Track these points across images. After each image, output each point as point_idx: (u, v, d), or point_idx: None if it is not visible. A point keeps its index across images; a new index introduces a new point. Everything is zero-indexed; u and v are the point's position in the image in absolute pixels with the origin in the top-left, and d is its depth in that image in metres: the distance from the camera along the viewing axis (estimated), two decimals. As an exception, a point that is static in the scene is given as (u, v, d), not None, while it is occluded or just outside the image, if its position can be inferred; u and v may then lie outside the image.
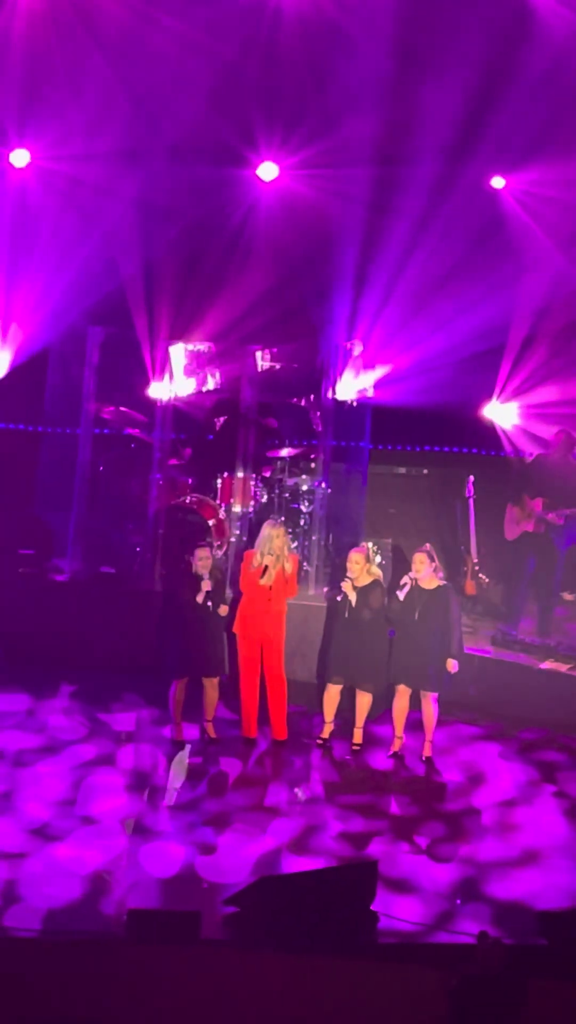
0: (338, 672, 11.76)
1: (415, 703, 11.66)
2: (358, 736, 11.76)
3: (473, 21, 14.04)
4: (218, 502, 14.31)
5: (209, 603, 11.54)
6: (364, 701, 11.73)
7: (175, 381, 15.12)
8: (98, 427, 15.05)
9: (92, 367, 14.82)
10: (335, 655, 11.79)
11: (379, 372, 15.31)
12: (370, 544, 13.38)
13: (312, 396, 15.03)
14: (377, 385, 15.24)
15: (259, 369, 14.99)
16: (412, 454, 16.62)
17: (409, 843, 9.98)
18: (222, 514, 14.17)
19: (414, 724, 11.71)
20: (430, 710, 11.56)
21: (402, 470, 16.42)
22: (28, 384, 15.81)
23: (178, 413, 15.15)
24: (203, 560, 11.59)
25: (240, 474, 14.33)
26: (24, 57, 14.21)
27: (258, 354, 15.07)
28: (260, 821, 10.19)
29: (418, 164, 14.90)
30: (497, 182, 15.48)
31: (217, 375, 15.39)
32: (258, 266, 15.56)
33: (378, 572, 11.94)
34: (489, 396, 15.98)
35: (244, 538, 14.17)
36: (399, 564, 13.19)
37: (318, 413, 14.86)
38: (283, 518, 13.94)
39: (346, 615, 11.63)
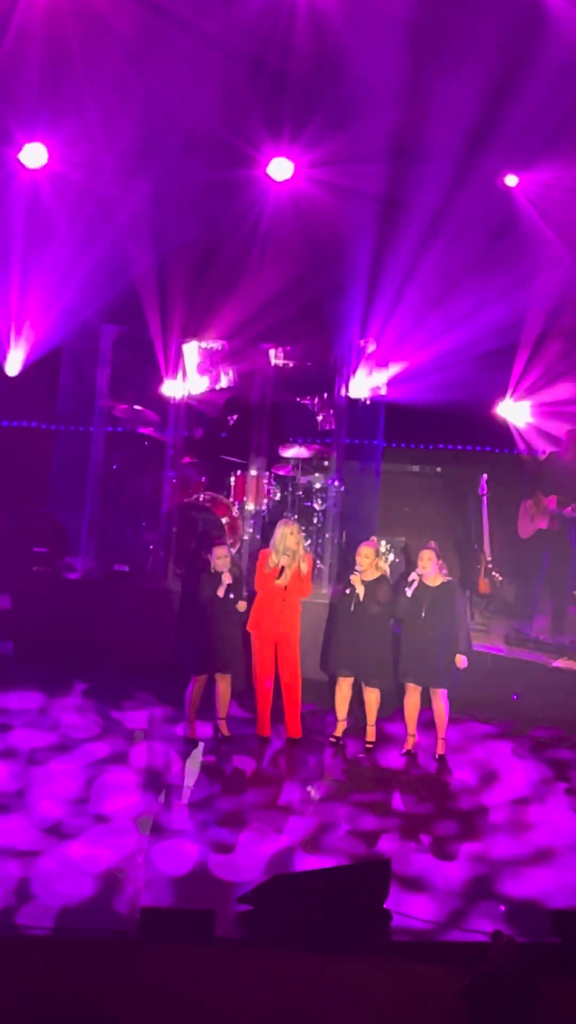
0: (344, 666, 11.77)
1: (427, 701, 11.66)
2: (371, 734, 11.76)
3: (487, 19, 14.01)
4: (231, 500, 14.31)
5: (231, 595, 11.56)
6: (372, 698, 11.74)
7: (188, 379, 15.12)
8: (111, 425, 15.05)
9: (105, 365, 14.83)
10: (341, 649, 11.80)
11: (392, 370, 15.29)
12: (383, 541, 13.39)
13: (325, 394, 15.03)
14: (390, 383, 15.23)
15: (272, 367, 14.99)
16: (425, 452, 16.60)
17: (422, 841, 9.98)
18: (235, 512, 14.17)
19: (427, 722, 11.71)
20: (440, 707, 11.55)
21: (415, 468, 16.41)
22: (41, 382, 15.81)
23: (191, 411, 15.16)
24: (222, 558, 11.61)
25: (253, 472, 14.34)
26: (39, 55, 14.19)
27: (271, 352, 15.07)
28: (274, 819, 10.19)
29: (432, 161, 14.86)
30: (511, 180, 15.44)
31: (230, 373, 15.38)
32: (272, 264, 15.53)
33: (385, 567, 11.95)
34: (503, 394, 15.96)
35: (257, 536, 14.18)
36: (412, 562, 13.18)
37: (331, 411, 14.86)
38: (296, 516, 13.94)
39: (352, 609, 11.64)
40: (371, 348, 15.18)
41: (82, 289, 15.19)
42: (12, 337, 15.37)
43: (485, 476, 14.61)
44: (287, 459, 14.51)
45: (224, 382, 15.43)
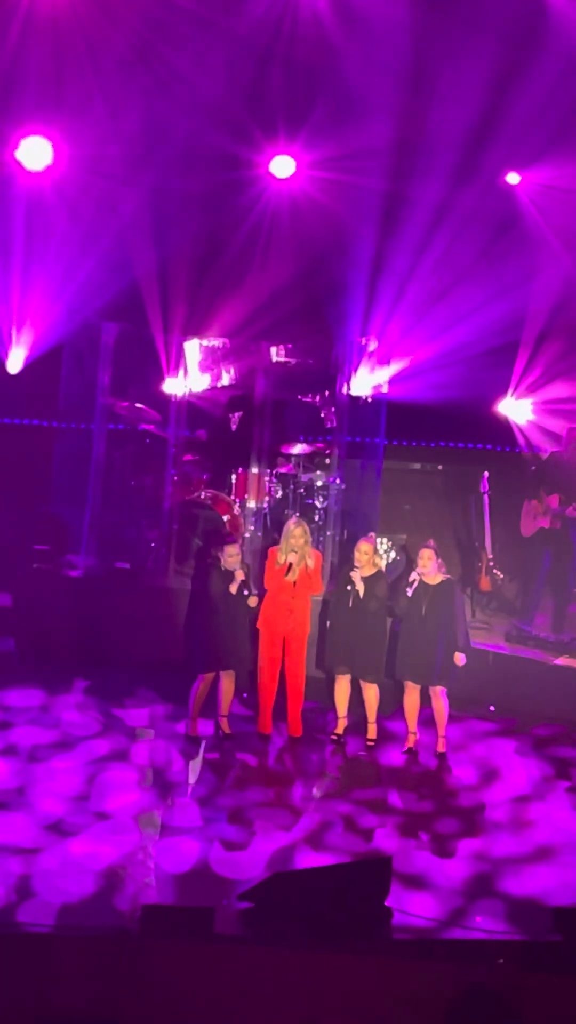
0: (341, 662, 11.78)
1: (427, 698, 11.67)
2: (372, 731, 11.78)
3: (490, 17, 13.99)
4: (233, 498, 14.31)
5: (245, 591, 11.60)
6: (371, 694, 11.76)
7: (189, 377, 15.14)
8: (112, 423, 15.06)
9: (106, 363, 14.83)
10: (338, 646, 11.81)
11: (394, 368, 15.31)
12: (383, 539, 13.39)
13: (327, 392, 15.04)
14: (392, 381, 15.24)
15: (273, 365, 14.99)
16: (427, 450, 16.62)
17: (423, 839, 9.98)
18: (236, 509, 14.18)
19: (427, 720, 11.72)
20: (440, 705, 11.56)
21: (417, 466, 16.43)
22: (43, 380, 15.82)
23: (192, 409, 15.17)
24: (233, 556, 11.63)
25: (255, 470, 14.35)
26: (42, 51, 14.17)
27: (273, 350, 15.08)
28: (275, 817, 10.19)
29: (433, 159, 14.85)
30: (512, 178, 15.43)
31: (232, 371, 15.40)
32: (273, 261, 15.54)
33: (380, 563, 11.96)
34: (504, 392, 15.97)
35: (259, 533, 14.19)
36: (412, 560, 13.19)
37: (332, 409, 14.86)
38: (297, 513, 13.95)
39: (350, 605, 11.65)
40: (372, 346, 15.19)
41: (83, 286, 15.19)
42: (14, 335, 15.38)
43: (486, 474, 14.64)
44: (288, 457, 14.52)
45: (225, 380, 15.45)
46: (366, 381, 15.07)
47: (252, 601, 11.69)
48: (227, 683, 11.71)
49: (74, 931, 8.20)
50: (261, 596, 11.85)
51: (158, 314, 15.22)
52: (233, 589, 11.57)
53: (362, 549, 11.69)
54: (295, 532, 11.68)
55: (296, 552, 11.64)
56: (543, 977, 7.26)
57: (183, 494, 14.36)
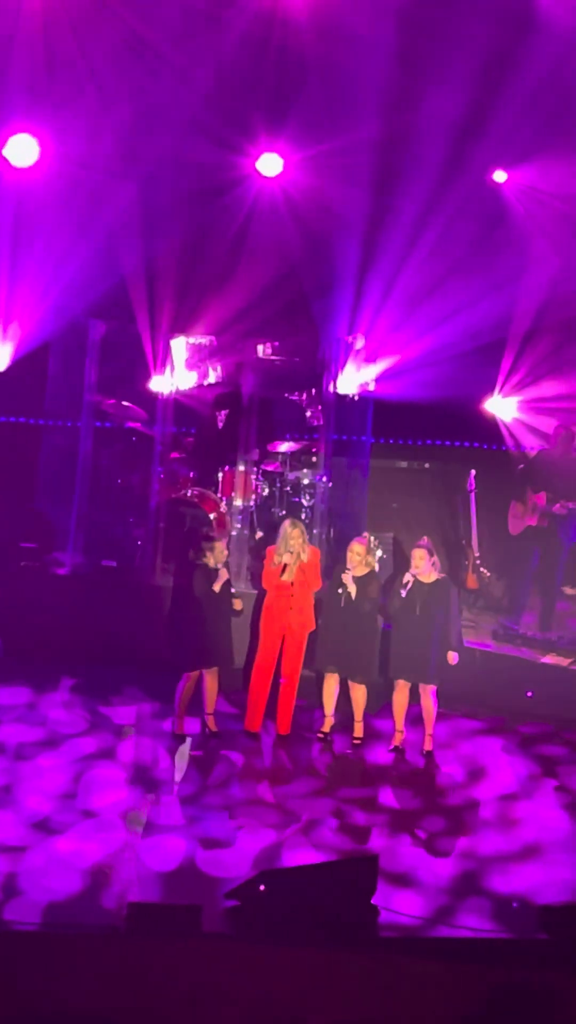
0: (331, 662, 11.78)
1: (414, 697, 11.67)
2: (358, 730, 11.78)
3: (477, 16, 13.98)
4: (219, 495, 14.30)
5: (234, 588, 11.59)
6: (359, 694, 11.76)
7: (176, 374, 15.11)
8: (99, 420, 15.04)
9: (93, 360, 14.81)
10: (328, 646, 11.80)
11: (381, 366, 15.30)
12: (371, 537, 13.39)
13: (314, 390, 15.03)
14: (379, 379, 15.24)
15: (260, 363, 14.98)
16: (414, 448, 16.61)
17: (410, 837, 9.98)
18: (223, 507, 14.17)
19: (415, 718, 11.72)
20: (429, 704, 11.57)
21: (404, 464, 16.44)
22: (29, 377, 15.77)
23: (179, 406, 15.15)
24: (218, 554, 11.63)
25: (241, 468, 14.34)
26: (29, 50, 14.14)
27: (260, 348, 15.06)
28: (261, 815, 10.20)
29: (421, 157, 14.85)
30: (499, 176, 15.43)
31: (219, 368, 15.38)
32: (260, 260, 15.51)
33: (373, 562, 11.95)
34: (491, 390, 15.98)
35: (246, 532, 14.19)
36: (400, 558, 13.20)
37: (319, 407, 14.86)
38: (284, 512, 13.96)
39: (342, 605, 11.64)
40: (359, 344, 15.18)
41: (70, 284, 15.15)
42: (0, 332, 15.34)
43: (473, 472, 14.66)
44: (275, 454, 14.51)
45: (212, 378, 15.43)
46: (353, 379, 15.06)
47: (238, 604, 11.70)
48: (211, 681, 11.69)
49: (60, 929, 8.19)
50: (260, 596, 11.85)
51: (145, 312, 15.19)
52: (217, 588, 11.56)
53: (355, 550, 11.67)
54: (292, 534, 11.66)
55: (292, 553, 11.62)
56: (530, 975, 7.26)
57: (170, 492, 14.35)
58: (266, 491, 14.55)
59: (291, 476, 14.48)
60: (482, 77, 14.08)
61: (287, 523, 11.87)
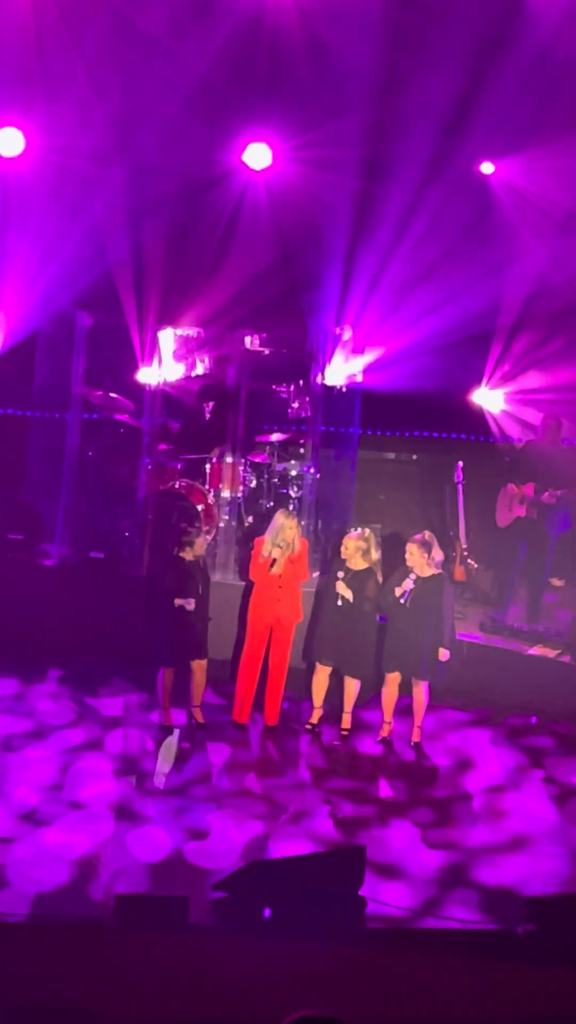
0: (328, 656, 11.75)
1: (405, 689, 11.66)
2: (347, 721, 11.76)
3: (464, 7, 13.96)
4: (207, 487, 14.28)
5: (200, 589, 11.58)
6: (352, 688, 11.73)
7: (164, 366, 15.10)
8: (87, 412, 15.02)
9: (81, 352, 14.79)
10: (325, 639, 11.77)
11: (368, 357, 15.28)
12: (369, 531, 13.37)
13: (301, 381, 15.02)
14: (366, 370, 15.22)
15: (248, 354, 14.97)
16: (401, 440, 16.59)
17: (397, 829, 9.98)
18: (211, 499, 14.15)
19: (403, 710, 11.71)
20: (421, 697, 11.56)
21: (391, 456, 16.43)
22: (17, 369, 15.73)
23: (167, 398, 15.13)
24: (198, 548, 11.61)
25: (229, 459, 14.32)
26: (16, 41, 14.09)
27: (247, 339, 15.04)
28: (249, 806, 10.19)
29: (408, 149, 14.81)
30: (487, 168, 15.41)
31: (206, 360, 15.37)
32: (247, 251, 15.48)
33: (376, 556, 11.84)
34: (478, 382, 15.97)
35: (233, 523, 14.18)
36: (388, 550, 13.16)
37: (307, 398, 14.85)
38: (271, 503, 13.94)
39: (338, 603, 11.60)
40: (347, 335, 15.16)
41: (57, 276, 15.12)
42: (-13, 324, 15.33)
43: (461, 464, 14.64)
44: (263, 445, 14.50)
45: (200, 369, 15.42)
46: (341, 370, 15.04)
47: (189, 605, 11.54)
48: (199, 674, 11.68)
49: (47, 921, 8.19)
50: (248, 588, 11.83)
51: (133, 303, 15.16)
52: (181, 602, 11.53)
53: (352, 546, 11.61)
54: (286, 525, 11.60)
55: (281, 547, 11.58)
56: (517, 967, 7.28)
57: (157, 484, 14.32)
58: (254, 483, 14.53)
59: (279, 467, 14.46)
60: (472, 64, 14.02)
61: (280, 514, 11.81)
